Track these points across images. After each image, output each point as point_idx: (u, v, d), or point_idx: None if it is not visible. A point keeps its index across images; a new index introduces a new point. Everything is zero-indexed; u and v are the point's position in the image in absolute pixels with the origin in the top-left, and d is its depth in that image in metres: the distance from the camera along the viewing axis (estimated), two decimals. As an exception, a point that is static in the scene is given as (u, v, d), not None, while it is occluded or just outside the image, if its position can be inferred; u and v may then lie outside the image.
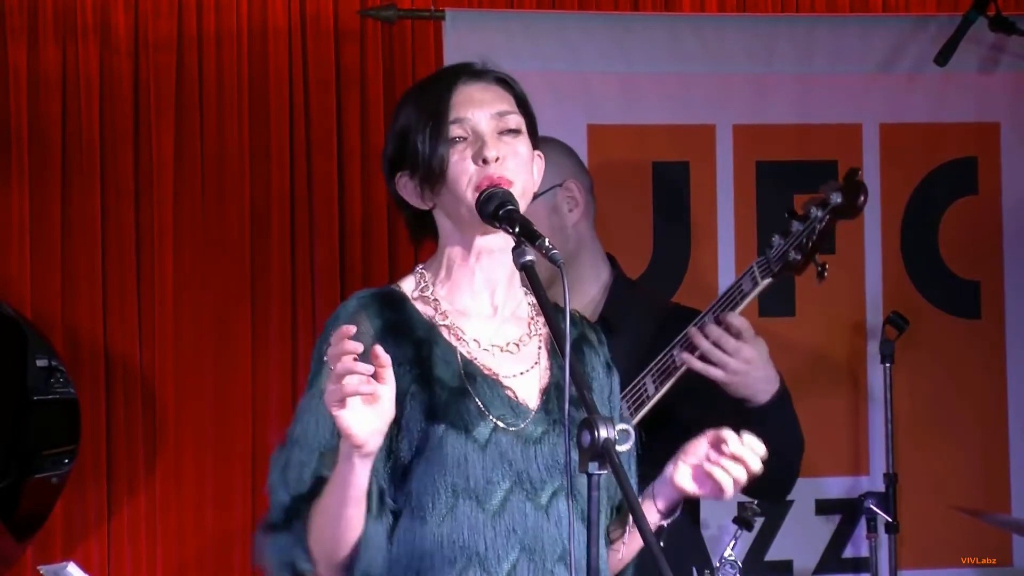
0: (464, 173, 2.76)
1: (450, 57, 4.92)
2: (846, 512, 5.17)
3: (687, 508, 3.65)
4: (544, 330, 2.85)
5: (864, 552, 5.09)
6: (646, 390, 3.58)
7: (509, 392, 2.77)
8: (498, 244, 2.79)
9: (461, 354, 2.77)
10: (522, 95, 2.85)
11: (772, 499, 4.50)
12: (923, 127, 5.27)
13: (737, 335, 3.52)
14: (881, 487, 5.05)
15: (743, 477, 2.73)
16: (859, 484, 5.15)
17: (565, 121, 4.81)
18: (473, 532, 2.70)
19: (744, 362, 3.50)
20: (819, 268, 3.51)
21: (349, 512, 2.64)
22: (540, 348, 2.84)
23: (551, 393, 2.80)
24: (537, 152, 2.85)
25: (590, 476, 2.45)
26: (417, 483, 2.71)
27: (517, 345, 2.82)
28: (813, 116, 5.23)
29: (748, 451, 2.72)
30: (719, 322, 3.54)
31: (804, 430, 3.74)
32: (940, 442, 5.23)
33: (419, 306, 2.81)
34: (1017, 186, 5.30)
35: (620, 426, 2.47)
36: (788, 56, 5.22)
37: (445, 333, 2.78)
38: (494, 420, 2.73)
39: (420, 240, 2.91)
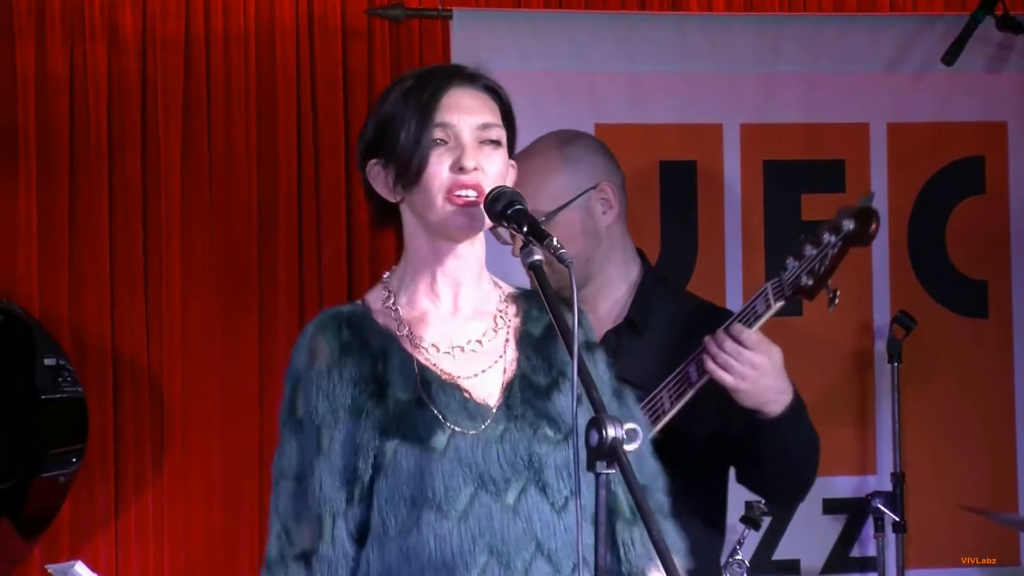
0: (438, 177, 2.77)
1: (458, 57, 4.92)
2: (853, 511, 5.16)
3: (715, 518, 3.68)
4: (514, 321, 2.86)
5: (871, 551, 5.09)
6: (663, 404, 3.56)
7: (467, 395, 2.77)
8: (462, 249, 2.82)
9: (418, 362, 2.78)
10: (508, 106, 2.86)
11: (786, 505, 4.52)
12: (930, 126, 5.27)
13: (745, 345, 3.50)
14: (888, 486, 5.04)
15: None
16: (866, 483, 5.14)
17: (572, 120, 4.78)
18: (439, 541, 2.70)
19: (750, 367, 3.48)
20: (831, 295, 3.48)
21: None
22: (508, 340, 2.84)
23: (515, 387, 2.80)
24: (511, 162, 2.85)
25: (598, 475, 2.45)
26: (379, 499, 2.72)
27: (480, 342, 2.82)
28: (820, 115, 5.23)
29: None
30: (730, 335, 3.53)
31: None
32: (947, 442, 5.23)
33: (380, 319, 2.82)
34: (1025, 185, 5.30)
35: (628, 425, 2.47)
36: (795, 55, 5.21)
37: (402, 343, 2.79)
38: (451, 426, 2.74)
39: (382, 228, 2.92)
